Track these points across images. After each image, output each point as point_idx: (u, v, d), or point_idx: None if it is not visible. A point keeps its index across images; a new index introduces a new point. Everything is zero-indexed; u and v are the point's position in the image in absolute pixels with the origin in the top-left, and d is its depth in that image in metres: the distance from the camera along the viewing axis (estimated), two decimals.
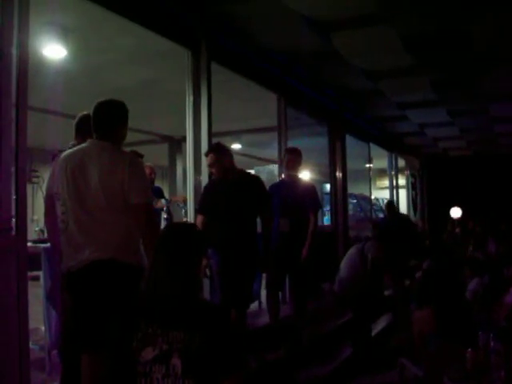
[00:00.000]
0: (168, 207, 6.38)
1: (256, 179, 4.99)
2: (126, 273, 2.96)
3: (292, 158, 5.70)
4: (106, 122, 3.18)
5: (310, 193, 5.69)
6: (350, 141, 10.11)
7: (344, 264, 6.55)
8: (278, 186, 5.83)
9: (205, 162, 5.25)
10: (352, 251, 6.53)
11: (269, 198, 4.98)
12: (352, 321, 6.42)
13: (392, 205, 11.21)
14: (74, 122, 3.73)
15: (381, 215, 14.30)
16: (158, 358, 2.08)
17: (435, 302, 4.62)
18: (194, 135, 5.32)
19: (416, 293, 5.99)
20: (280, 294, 5.88)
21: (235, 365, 2.19)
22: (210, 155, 4.72)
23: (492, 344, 3.32)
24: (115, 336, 2.26)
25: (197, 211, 4.99)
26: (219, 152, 4.74)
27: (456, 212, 15.45)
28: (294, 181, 5.71)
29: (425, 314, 4.58)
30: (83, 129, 3.59)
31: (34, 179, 8.64)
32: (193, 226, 2.70)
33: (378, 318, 6.78)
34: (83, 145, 3.25)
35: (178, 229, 2.43)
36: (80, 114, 3.73)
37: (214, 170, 4.74)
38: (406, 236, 9.30)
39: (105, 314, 2.61)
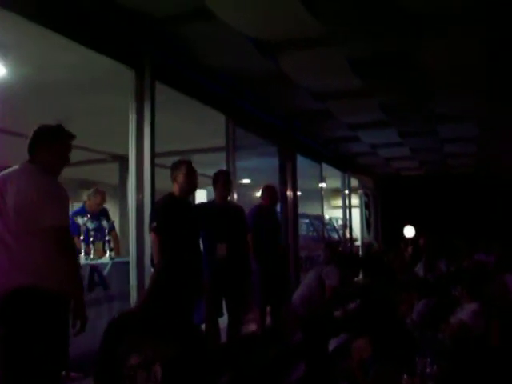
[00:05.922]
0: (111, 229, 6.28)
1: None
2: (46, 301, 2.84)
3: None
4: (29, 145, 3.25)
5: (242, 216, 5.90)
6: (303, 161, 10.13)
7: (302, 285, 6.64)
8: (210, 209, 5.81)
9: (147, 181, 5.19)
10: (311, 273, 6.62)
11: None
12: (304, 341, 6.42)
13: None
14: None
15: (334, 235, 14.37)
16: (142, 365, 2.37)
17: (372, 329, 4.63)
18: (137, 154, 5.21)
19: (354, 321, 6.04)
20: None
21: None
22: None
23: (428, 370, 3.29)
24: (37, 369, 2.41)
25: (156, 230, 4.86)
26: None
27: (409, 231, 15.60)
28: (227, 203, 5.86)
29: (362, 342, 4.59)
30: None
31: None
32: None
33: (329, 340, 6.77)
34: (14, 167, 3.21)
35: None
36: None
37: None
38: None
39: (25, 346, 2.53)
